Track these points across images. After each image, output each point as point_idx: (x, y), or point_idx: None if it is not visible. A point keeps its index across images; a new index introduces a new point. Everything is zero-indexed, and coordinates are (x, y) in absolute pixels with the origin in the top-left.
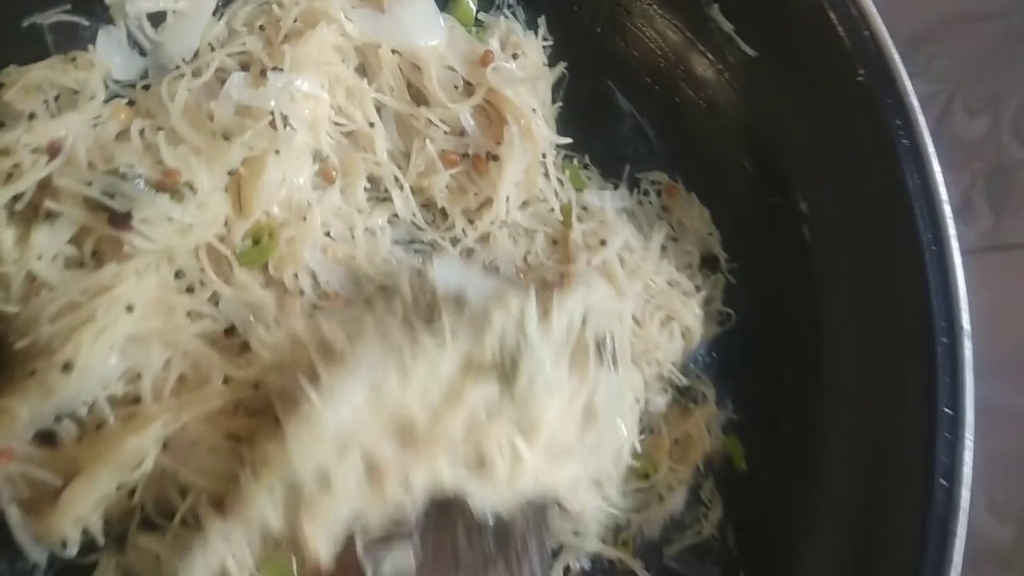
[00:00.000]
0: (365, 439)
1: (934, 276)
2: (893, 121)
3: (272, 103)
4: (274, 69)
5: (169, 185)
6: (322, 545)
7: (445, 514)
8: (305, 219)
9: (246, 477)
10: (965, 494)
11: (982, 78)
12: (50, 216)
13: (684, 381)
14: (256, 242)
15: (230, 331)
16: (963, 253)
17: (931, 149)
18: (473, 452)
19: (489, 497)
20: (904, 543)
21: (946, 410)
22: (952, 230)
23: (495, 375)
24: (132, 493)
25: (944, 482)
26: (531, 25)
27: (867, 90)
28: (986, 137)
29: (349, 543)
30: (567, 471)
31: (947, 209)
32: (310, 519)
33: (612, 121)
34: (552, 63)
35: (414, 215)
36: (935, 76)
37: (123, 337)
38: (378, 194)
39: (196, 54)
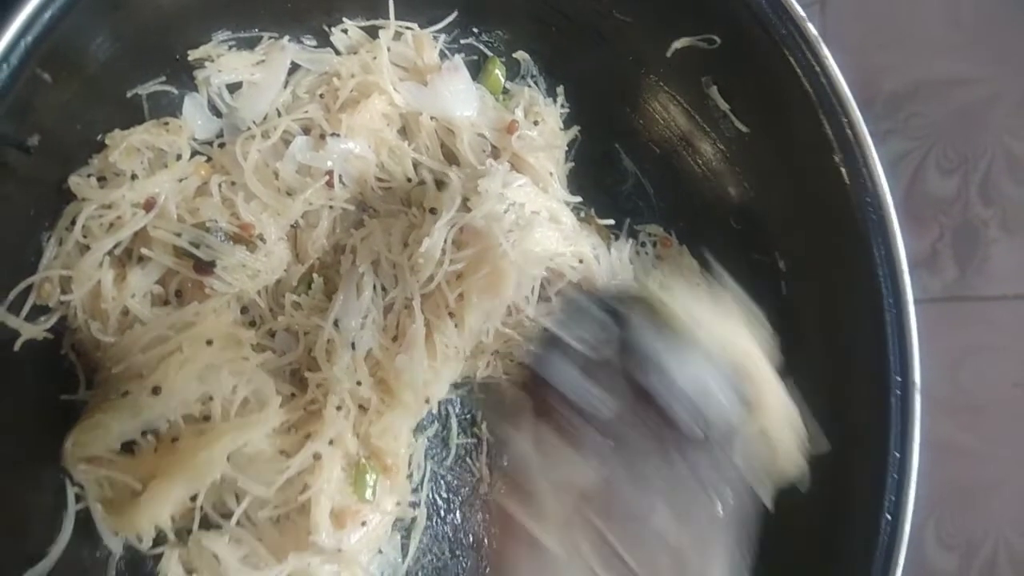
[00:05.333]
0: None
1: (892, 334)
2: (863, 198)
3: (329, 164)
4: (332, 135)
5: (244, 237)
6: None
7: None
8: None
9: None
10: (907, 528)
11: (955, 140)
12: (141, 260)
13: None
14: None
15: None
16: (927, 301)
17: (896, 223)
18: None
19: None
20: (853, 569)
21: (896, 453)
22: (910, 295)
23: None
24: (194, 496)
25: (889, 516)
26: (551, 92)
27: (842, 171)
28: (956, 195)
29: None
30: None
31: (907, 276)
32: (375, 435)
33: (617, 179)
34: (567, 126)
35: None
36: (913, 134)
37: (202, 366)
38: None
39: (265, 118)
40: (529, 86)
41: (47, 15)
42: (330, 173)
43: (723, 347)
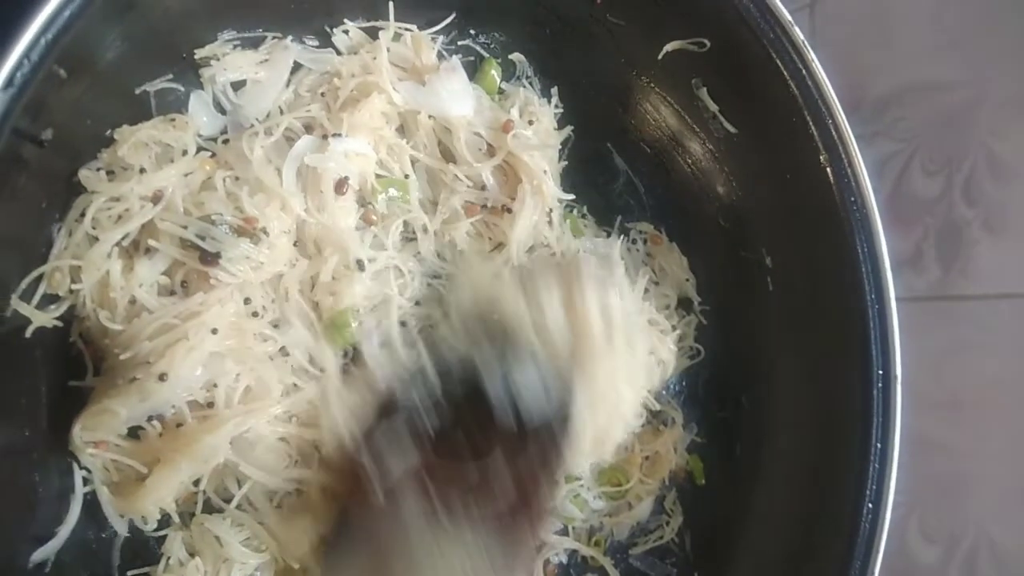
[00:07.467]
0: None
1: (874, 329)
2: (848, 197)
3: (332, 165)
4: (334, 135)
5: (248, 230)
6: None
7: (461, 416)
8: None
9: None
10: (887, 515)
11: (939, 142)
12: (149, 251)
13: (657, 406)
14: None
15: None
16: (912, 300)
17: (879, 221)
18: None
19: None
20: (834, 555)
21: (877, 444)
22: (892, 291)
23: None
24: (196, 481)
25: (871, 504)
26: (545, 93)
27: (828, 171)
28: (940, 196)
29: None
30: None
31: (889, 273)
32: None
33: (609, 178)
34: (561, 126)
35: (438, 254)
36: (899, 136)
37: (207, 354)
38: (407, 235)
39: (268, 115)
40: (524, 86)
41: (66, 13)
42: (344, 180)
43: (554, 336)
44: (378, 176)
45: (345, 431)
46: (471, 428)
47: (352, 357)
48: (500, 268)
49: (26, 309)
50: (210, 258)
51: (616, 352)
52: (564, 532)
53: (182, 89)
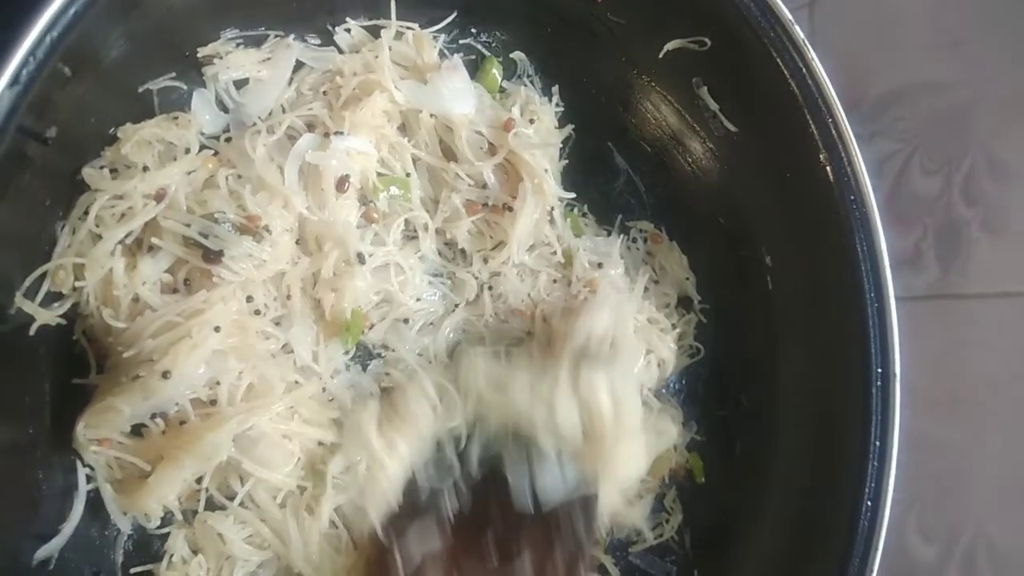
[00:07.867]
0: None
1: (874, 327)
2: (848, 196)
3: (334, 163)
4: (336, 133)
5: (251, 229)
6: None
7: (481, 500)
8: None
9: None
10: (887, 513)
11: (938, 141)
12: (152, 249)
13: (657, 404)
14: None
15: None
16: (910, 299)
17: (878, 220)
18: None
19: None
20: (833, 553)
21: (876, 442)
22: (891, 289)
23: None
24: (199, 478)
25: (870, 502)
26: (546, 92)
27: (827, 170)
28: (938, 195)
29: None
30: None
31: (888, 272)
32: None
33: (609, 176)
34: (561, 124)
35: (439, 253)
36: (898, 136)
37: (210, 352)
38: (408, 233)
39: (270, 113)
40: (525, 85)
41: (71, 11)
42: (346, 178)
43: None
44: (379, 174)
45: (375, 518)
46: (492, 514)
47: (355, 355)
48: (505, 372)
49: (30, 307)
50: (213, 256)
51: (625, 432)
52: None
53: (185, 87)
